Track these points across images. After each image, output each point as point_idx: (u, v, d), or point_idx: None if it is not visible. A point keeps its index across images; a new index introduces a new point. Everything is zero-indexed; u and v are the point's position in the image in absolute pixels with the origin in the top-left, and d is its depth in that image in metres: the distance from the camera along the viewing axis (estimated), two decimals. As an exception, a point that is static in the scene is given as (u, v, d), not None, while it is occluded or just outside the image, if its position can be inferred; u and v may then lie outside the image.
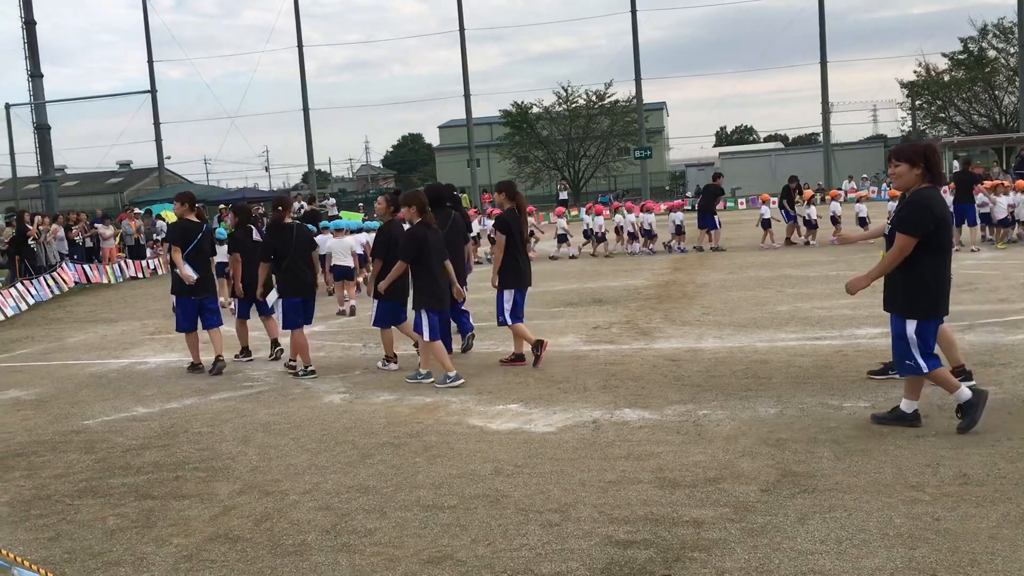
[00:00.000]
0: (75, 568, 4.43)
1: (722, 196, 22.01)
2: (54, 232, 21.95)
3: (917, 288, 5.67)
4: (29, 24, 43.55)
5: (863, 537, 4.20)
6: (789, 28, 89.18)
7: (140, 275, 22.94)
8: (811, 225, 19.98)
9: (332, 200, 43.67)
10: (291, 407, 7.62)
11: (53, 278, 19.35)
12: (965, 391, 5.73)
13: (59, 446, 6.82)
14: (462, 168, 57.07)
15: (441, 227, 8.79)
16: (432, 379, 8.15)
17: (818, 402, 6.66)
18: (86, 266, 21.64)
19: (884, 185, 29.08)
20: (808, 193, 20.65)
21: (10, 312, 15.76)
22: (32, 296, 17.57)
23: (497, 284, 8.74)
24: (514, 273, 8.72)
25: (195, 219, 9.50)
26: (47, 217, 23.77)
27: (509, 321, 8.74)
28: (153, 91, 48.60)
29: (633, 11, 45.68)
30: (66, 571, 4.40)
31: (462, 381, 7.96)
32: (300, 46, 48.09)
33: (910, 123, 56.44)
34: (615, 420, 6.53)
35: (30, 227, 20.96)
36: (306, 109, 48.52)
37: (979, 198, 17.61)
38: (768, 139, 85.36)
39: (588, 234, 20.88)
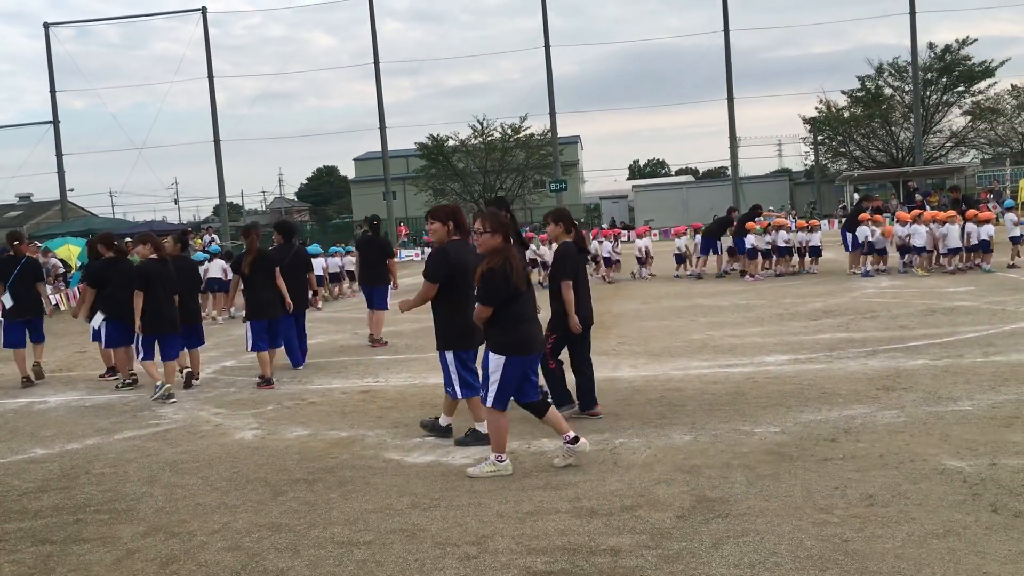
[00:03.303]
0: (-36, 620, 4.18)
1: (730, 227, 20.77)
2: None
3: (447, 324, 6.74)
4: (-77, 51, 41.88)
5: (775, 560, 4.27)
6: (697, 65, 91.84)
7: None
8: (781, 253, 19.89)
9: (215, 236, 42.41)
10: (200, 445, 7.38)
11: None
12: (484, 427, 6.63)
13: (-51, 491, 6.45)
14: (378, 200, 56.74)
15: (284, 257, 10.87)
16: (173, 397, 9.32)
17: (731, 428, 6.77)
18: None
19: (790, 217, 30.02)
20: (765, 223, 20.38)
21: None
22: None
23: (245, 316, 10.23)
24: (257, 306, 10.01)
25: (13, 255, 11.38)
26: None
27: (249, 349, 10.03)
28: (55, 121, 47.26)
29: (547, 46, 46.51)
30: (-46, 624, 4.14)
31: (170, 397, 9.28)
32: (211, 77, 47.46)
33: (813, 157, 58.52)
34: (532, 451, 6.51)
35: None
36: (217, 141, 47.79)
37: (862, 229, 18.30)
38: (679, 172, 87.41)
39: (607, 261, 21.75)
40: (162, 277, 9.66)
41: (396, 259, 13.93)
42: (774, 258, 20.01)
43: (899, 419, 6.73)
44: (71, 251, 26.37)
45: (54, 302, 22.49)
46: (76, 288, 24.25)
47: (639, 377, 9.08)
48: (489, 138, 54.39)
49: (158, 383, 9.41)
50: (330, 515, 5.36)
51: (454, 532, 4.92)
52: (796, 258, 20.24)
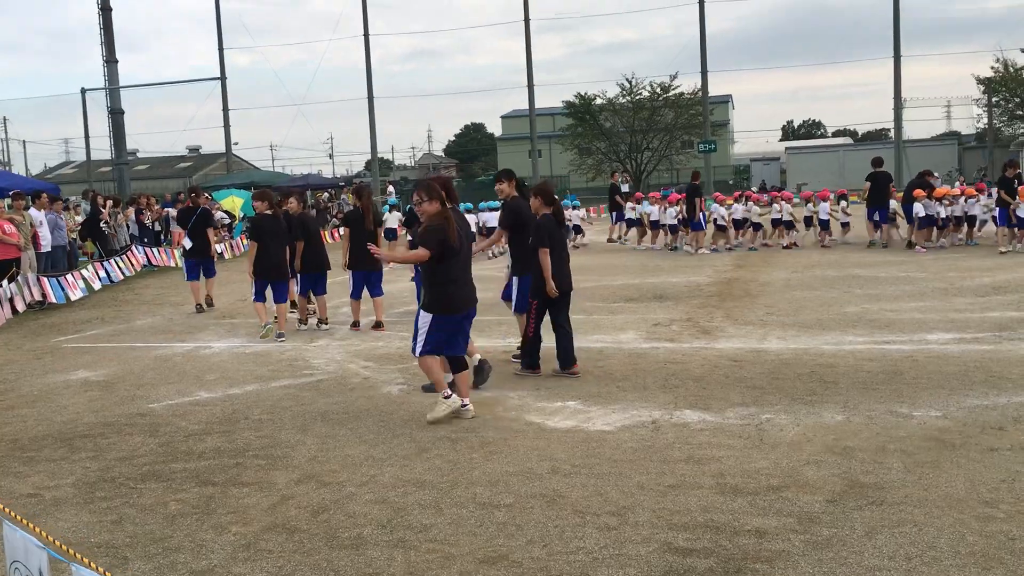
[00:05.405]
0: (137, 553, 4.50)
1: (889, 182, 19.13)
2: (127, 215, 22.40)
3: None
4: (105, 11, 44.62)
5: (933, 555, 4.05)
6: (861, 21, 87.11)
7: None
8: (942, 224, 18.25)
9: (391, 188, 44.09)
10: (349, 397, 7.66)
11: (122, 261, 19.77)
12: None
13: (124, 428, 6.95)
14: (524, 158, 56.90)
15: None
16: (283, 338, 10.66)
17: (887, 409, 6.46)
18: (154, 249, 22.07)
19: (957, 183, 28.16)
20: (942, 190, 18.71)
21: (80, 294, 16.15)
22: (102, 278, 17.99)
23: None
24: (358, 258, 10.78)
25: (191, 205, 14.02)
26: (120, 200, 24.29)
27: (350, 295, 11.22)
28: (223, 78, 49.40)
29: (700, 2, 45.04)
30: (128, 555, 4.46)
31: (281, 337, 10.63)
32: (367, 34, 48.42)
33: (985, 120, 54.66)
34: (675, 421, 6.42)
35: (103, 210, 21.42)
36: (371, 97, 48.87)
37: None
38: (836, 134, 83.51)
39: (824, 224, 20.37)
40: (272, 231, 10.77)
41: None
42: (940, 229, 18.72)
43: (1077, 410, 6.23)
44: (235, 202, 27.67)
45: (219, 250, 23.78)
46: (238, 238, 25.55)
47: (787, 350, 8.78)
48: (637, 97, 53.45)
49: (265, 323, 10.79)
50: (472, 475, 5.45)
51: (594, 501, 4.91)
52: (965, 228, 18.98)
